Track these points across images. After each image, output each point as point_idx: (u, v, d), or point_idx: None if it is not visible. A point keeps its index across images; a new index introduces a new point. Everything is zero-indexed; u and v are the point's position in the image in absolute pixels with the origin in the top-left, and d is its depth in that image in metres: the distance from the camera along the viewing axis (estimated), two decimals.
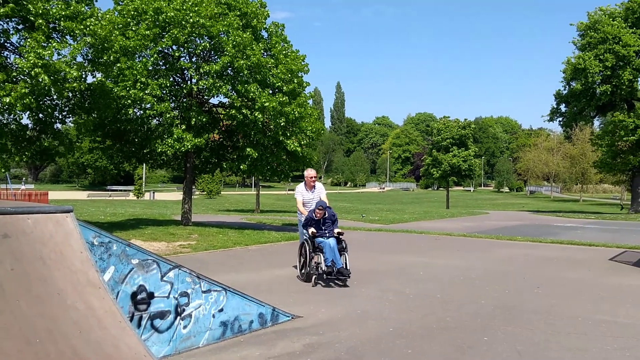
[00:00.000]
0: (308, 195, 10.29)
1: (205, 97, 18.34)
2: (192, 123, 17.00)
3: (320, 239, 9.34)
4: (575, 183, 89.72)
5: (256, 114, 16.72)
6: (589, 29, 37.45)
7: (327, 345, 5.84)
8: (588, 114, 41.08)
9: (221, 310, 5.91)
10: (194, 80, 17.55)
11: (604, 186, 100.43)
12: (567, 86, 39.69)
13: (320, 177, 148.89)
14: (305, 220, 9.73)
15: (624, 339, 6.18)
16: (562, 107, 41.19)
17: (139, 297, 5.12)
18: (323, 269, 9.05)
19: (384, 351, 5.65)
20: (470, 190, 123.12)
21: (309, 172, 10.33)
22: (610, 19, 36.57)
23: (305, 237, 9.71)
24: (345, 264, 9.19)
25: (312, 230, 9.47)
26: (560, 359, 5.46)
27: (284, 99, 17.09)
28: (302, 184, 10.39)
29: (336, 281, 9.21)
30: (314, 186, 10.29)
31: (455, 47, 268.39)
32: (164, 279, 5.35)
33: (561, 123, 42.44)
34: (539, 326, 6.74)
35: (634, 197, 40.31)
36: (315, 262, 9.20)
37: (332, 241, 9.23)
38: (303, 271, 9.55)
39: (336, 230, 9.55)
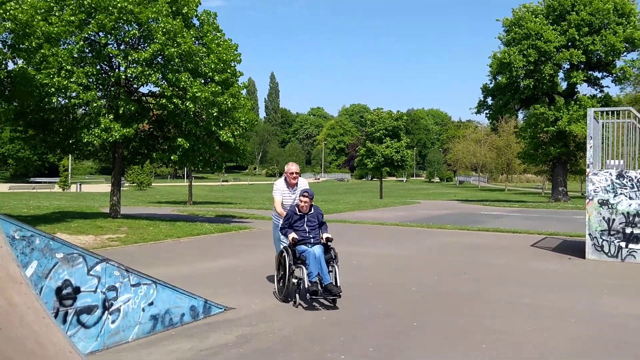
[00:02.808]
0: (289, 194, 8.24)
1: (134, 85, 17.80)
2: (121, 112, 16.45)
3: (303, 247, 7.31)
4: (501, 173, 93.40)
5: (188, 104, 16.39)
6: (514, 25, 39.01)
7: (261, 335, 5.84)
8: (512, 107, 42.86)
9: (151, 303, 5.79)
10: (122, 69, 16.97)
11: (528, 176, 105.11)
12: (493, 80, 41.23)
13: (255, 168, 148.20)
14: (285, 218, 7.68)
15: (543, 321, 6.52)
16: (489, 100, 42.77)
17: (64, 292, 4.94)
18: (306, 286, 6.97)
19: (317, 339, 5.71)
20: (403, 181, 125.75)
21: (290, 167, 8.27)
22: (533, 16, 38.22)
23: (283, 244, 7.71)
24: (335, 279, 7.18)
25: (292, 235, 7.39)
26: (484, 341, 5.70)
27: (217, 88, 16.82)
28: (282, 179, 8.39)
29: (322, 300, 7.22)
30: (296, 184, 8.24)
31: (389, 41, 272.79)
32: (91, 273, 5.18)
33: (488, 115, 44.07)
34: (464, 311, 7.01)
35: (554, 186, 42.47)
36: (296, 278, 7.29)
37: (317, 249, 7.22)
38: (281, 285, 7.51)
39: (324, 235, 7.57)
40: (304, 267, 7.13)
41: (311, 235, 7.47)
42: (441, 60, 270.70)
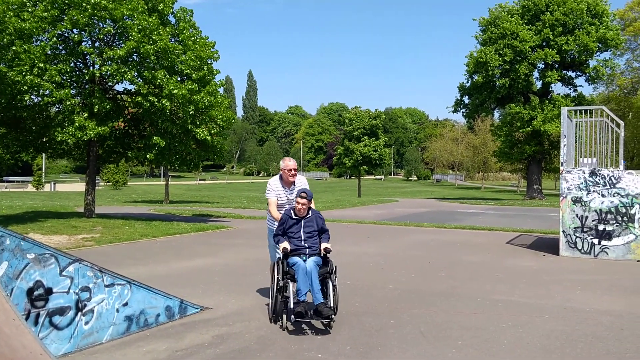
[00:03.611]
0: (285, 194, 7.02)
1: (109, 83, 17.55)
2: (95, 110, 16.20)
3: (295, 259, 6.21)
4: (478, 171, 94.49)
5: (164, 102, 16.21)
6: (490, 24, 39.41)
7: (237, 335, 5.80)
8: (489, 106, 43.32)
9: (126, 304, 5.71)
10: (96, 66, 16.73)
11: (503, 174, 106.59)
12: (469, 79, 41.61)
13: (232, 167, 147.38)
14: (279, 223, 6.61)
15: (518, 317, 6.60)
16: (465, 99, 43.15)
17: (35, 293, 4.84)
18: (291, 305, 5.93)
19: (294, 339, 5.70)
20: (381, 179, 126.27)
21: (287, 163, 7.04)
22: (509, 16, 38.66)
23: (278, 256, 6.56)
24: (331, 297, 6.03)
25: (283, 245, 6.33)
26: (460, 337, 5.75)
27: (194, 86, 16.68)
28: (277, 178, 7.17)
29: (313, 322, 6.11)
30: (294, 183, 7.07)
31: (367, 40, 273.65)
32: (63, 273, 5.09)
33: (464, 114, 44.49)
34: (441, 308, 7.06)
35: (529, 184, 43.05)
36: (283, 295, 6.17)
37: (310, 263, 6.17)
38: (271, 302, 6.40)
39: (323, 245, 6.43)
40: (290, 284, 6.10)
41: (307, 245, 6.37)
42: (419, 58, 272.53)
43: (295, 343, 5.55)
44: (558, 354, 5.26)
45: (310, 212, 6.61)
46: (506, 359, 5.07)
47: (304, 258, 6.26)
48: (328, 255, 6.43)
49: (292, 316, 5.86)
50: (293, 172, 7.00)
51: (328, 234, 6.63)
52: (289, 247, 6.33)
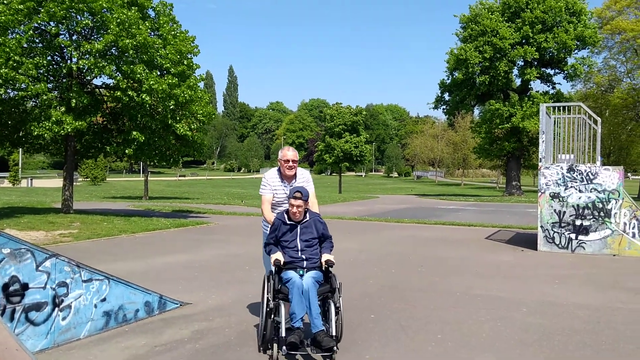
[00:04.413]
0: (283, 190, 5.83)
1: (87, 77, 17.32)
2: (73, 105, 15.97)
3: (290, 274, 5.10)
4: (458, 168, 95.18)
5: (143, 96, 16.05)
6: (470, 21, 39.70)
7: (217, 330, 5.77)
8: (469, 103, 43.67)
9: (104, 299, 5.64)
10: (74, 60, 16.49)
11: (483, 171, 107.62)
12: (450, 76, 41.90)
13: (213, 163, 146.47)
14: (270, 229, 5.52)
15: (497, 311, 6.66)
16: (446, 96, 43.45)
17: (11, 288, 4.76)
18: (282, 333, 4.73)
19: None
20: (361, 176, 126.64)
21: (285, 153, 5.82)
22: (489, 13, 38.97)
23: (270, 268, 5.44)
24: (333, 323, 4.87)
25: (275, 257, 5.23)
26: (440, 331, 5.79)
27: (174, 81, 16.53)
28: (274, 170, 6.00)
29: (314, 355, 4.85)
30: (294, 176, 5.89)
31: (349, 36, 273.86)
32: (40, 268, 5.01)
33: (445, 111, 44.80)
34: (421, 302, 7.10)
35: (508, 181, 43.52)
36: (273, 320, 4.97)
37: (307, 280, 5.04)
38: (261, 326, 5.16)
39: (325, 257, 5.29)
40: (282, 306, 4.91)
41: (304, 256, 5.24)
42: (400, 55, 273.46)
43: None
44: (536, 346, 5.32)
45: (307, 215, 5.43)
46: (485, 352, 5.12)
47: (301, 273, 5.14)
48: (331, 269, 5.26)
49: (284, 346, 4.67)
50: (291, 164, 5.78)
51: (331, 243, 5.48)
52: (282, 260, 5.20)
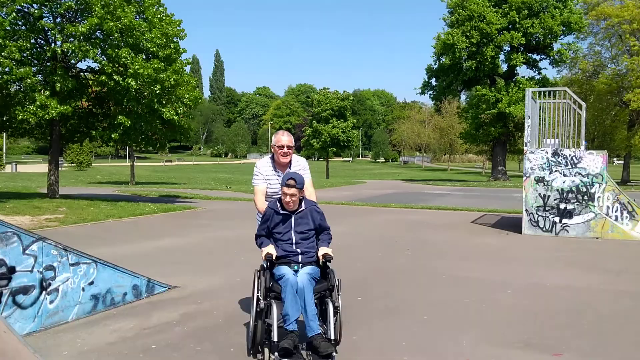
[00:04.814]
0: (277, 180, 5.19)
1: (71, 61, 17.11)
2: (58, 89, 15.79)
3: (284, 270, 4.53)
4: (444, 153, 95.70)
5: (129, 81, 15.89)
6: (458, 6, 39.61)
7: (206, 313, 5.80)
8: (455, 88, 43.77)
9: (92, 283, 5.64)
10: (58, 43, 16.27)
11: (469, 156, 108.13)
12: (437, 61, 41.87)
13: (199, 148, 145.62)
14: (262, 219, 4.92)
15: (482, 293, 6.76)
16: (433, 81, 43.45)
17: None
18: (274, 338, 4.21)
19: None
20: (349, 161, 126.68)
21: (279, 138, 5.20)
22: None
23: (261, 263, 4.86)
24: (332, 325, 4.33)
25: (267, 250, 4.66)
26: (426, 312, 5.87)
27: (160, 65, 16.39)
28: (266, 158, 5.39)
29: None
30: (289, 164, 5.28)
31: (336, 20, 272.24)
32: (27, 252, 5.00)
33: (432, 96, 44.86)
34: (408, 285, 7.19)
35: (494, 166, 43.82)
36: (264, 321, 4.42)
37: (303, 277, 4.47)
38: (250, 327, 4.56)
39: (322, 251, 4.74)
40: (274, 306, 4.36)
41: (299, 250, 4.67)
42: (387, 40, 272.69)
43: None
44: (520, 326, 5.42)
45: (303, 204, 4.81)
46: (470, 332, 5.21)
47: (296, 268, 4.59)
48: (329, 263, 4.75)
49: (276, 352, 4.16)
50: (286, 150, 5.18)
51: (329, 234, 4.95)
52: (274, 254, 4.63)
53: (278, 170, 5.24)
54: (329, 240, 4.90)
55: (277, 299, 4.44)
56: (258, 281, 4.61)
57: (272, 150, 5.33)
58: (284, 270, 4.52)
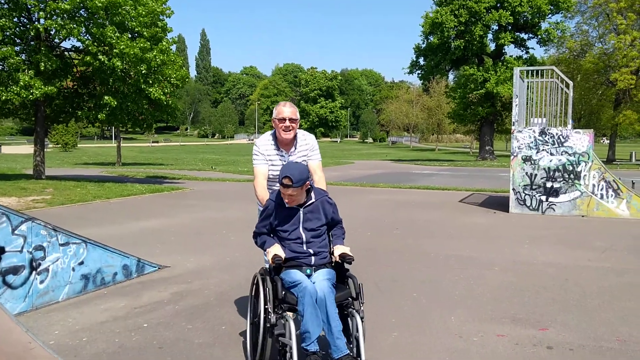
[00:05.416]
0: (280, 161, 4.39)
1: (55, 40, 16.84)
2: (42, 69, 15.57)
3: (295, 275, 3.62)
4: (432, 133, 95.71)
5: (114, 61, 15.70)
6: None
7: (196, 292, 5.82)
8: (444, 68, 43.74)
9: (82, 263, 5.64)
10: (41, 21, 15.99)
11: (457, 136, 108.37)
12: (425, 40, 41.78)
13: (186, 129, 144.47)
14: (262, 213, 3.95)
15: (469, 270, 6.85)
16: (421, 61, 43.39)
17: None
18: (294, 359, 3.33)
19: None
20: (337, 141, 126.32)
21: (280, 109, 4.33)
22: None
23: (266, 265, 4.13)
24: (362, 342, 3.46)
25: (274, 251, 3.71)
26: (415, 290, 5.94)
27: (145, 44, 16.18)
28: (267, 135, 4.52)
29: None
30: (294, 140, 4.42)
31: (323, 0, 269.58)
32: (16, 232, 4.98)
33: (420, 76, 44.82)
34: (396, 263, 7.25)
35: (482, 146, 44.03)
36: (279, 340, 3.48)
37: (322, 283, 3.57)
38: (250, 344, 3.85)
39: (339, 250, 3.81)
40: (291, 320, 3.47)
41: (311, 250, 3.77)
42: (375, 19, 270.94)
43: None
44: (507, 303, 5.50)
45: (313, 194, 3.91)
46: (458, 309, 5.28)
47: (308, 272, 3.70)
48: (348, 265, 3.83)
49: None
50: (288, 123, 4.28)
51: (342, 229, 4.07)
52: (283, 256, 3.71)
53: (281, 149, 4.40)
54: (343, 235, 4.01)
55: (291, 311, 3.57)
56: (264, 289, 3.66)
57: (273, 124, 4.45)
58: (298, 276, 3.60)
